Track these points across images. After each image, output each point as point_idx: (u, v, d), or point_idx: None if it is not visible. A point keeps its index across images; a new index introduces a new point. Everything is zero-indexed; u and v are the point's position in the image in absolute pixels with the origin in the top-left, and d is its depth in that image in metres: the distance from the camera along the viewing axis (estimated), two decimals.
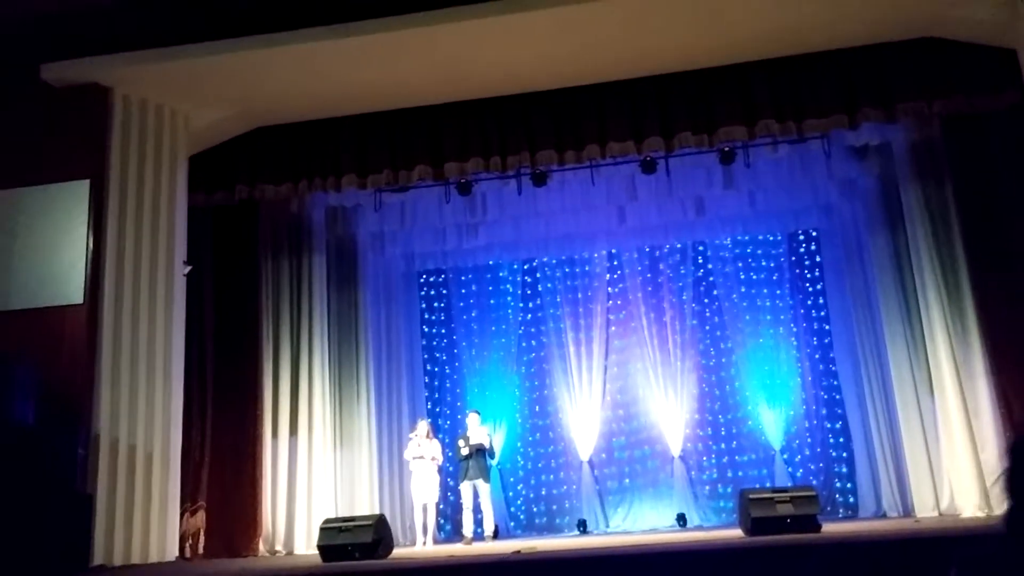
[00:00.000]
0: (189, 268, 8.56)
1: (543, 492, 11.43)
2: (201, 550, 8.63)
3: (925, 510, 9.04)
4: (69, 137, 7.93)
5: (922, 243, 8.91)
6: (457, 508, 10.57)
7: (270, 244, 9.78)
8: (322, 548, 7.18)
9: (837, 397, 10.92)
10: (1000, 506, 7.98)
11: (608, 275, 11.80)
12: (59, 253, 7.74)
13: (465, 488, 9.58)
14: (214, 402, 9.03)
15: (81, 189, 7.83)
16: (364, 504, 9.99)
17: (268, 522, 9.08)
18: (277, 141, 9.06)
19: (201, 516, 8.73)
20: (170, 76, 8.09)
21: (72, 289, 7.66)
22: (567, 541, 9.23)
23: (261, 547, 8.88)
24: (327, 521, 7.60)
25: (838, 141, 9.44)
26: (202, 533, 8.69)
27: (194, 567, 7.77)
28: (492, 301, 12.03)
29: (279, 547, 9.11)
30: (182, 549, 8.30)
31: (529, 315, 11.97)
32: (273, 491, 9.21)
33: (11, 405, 6.99)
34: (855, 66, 8.42)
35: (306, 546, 9.11)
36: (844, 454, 10.75)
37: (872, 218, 9.99)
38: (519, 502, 11.46)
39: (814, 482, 10.33)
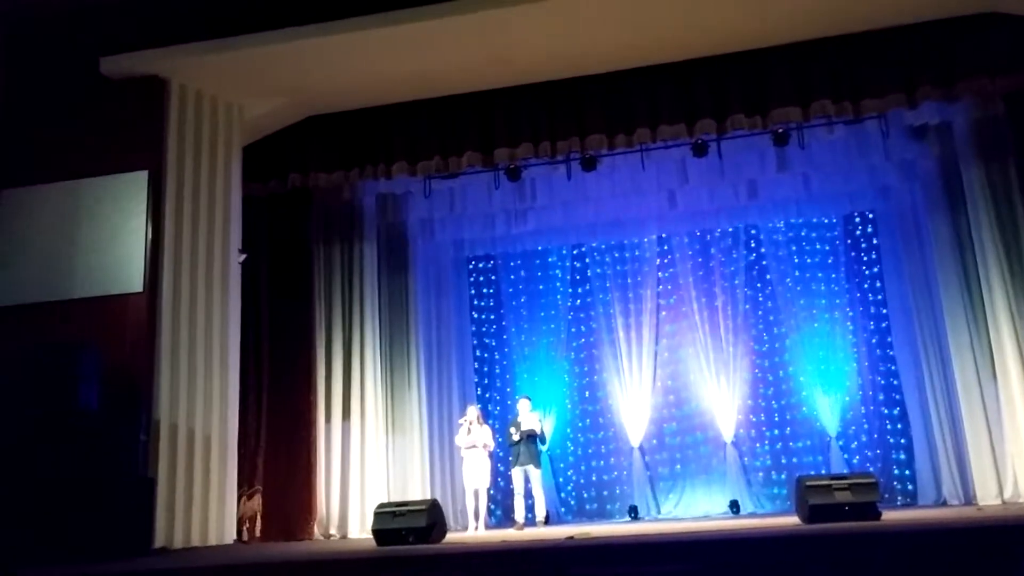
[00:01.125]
0: (244, 256, 8.71)
1: (593, 478, 11.40)
2: (258, 533, 8.81)
3: (988, 498, 8.82)
4: (128, 129, 8.12)
5: (984, 225, 8.69)
6: (508, 494, 10.60)
7: (322, 231, 9.91)
8: (376, 532, 7.25)
9: (895, 383, 10.67)
10: None
11: (658, 260, 11.67)
12: (119, 243, 7.94)
13: (516, 474, 9.60)
14: (269, 388, 9.20)
15: (140, 180, 8.02)
16: (416, 489, 10.09)
17: (323, 506, 9.24)
18: (329, 130, 9.16)
19: (258, 500, 8.91)
20: (225, 67, 8.21)
21: (132, 278, 7.86)
22: (619, 527, 9.20)
23: (316, 531, 9.04)
24: (381, 505, 7.68)
25: (896, 121, 9.21)
26: (259, 517, 8.87)
27: (251, 550, 7.93)
28: (541, 287, 12.00)
29: (333, 531, 9.25)
30: (239, 532, 8.49)
31: (578, 300, 11.92)
32: (327, 476, 9.36)
33: (76, 391, 7.19)
34: (914, 43, 8.20)
35: (360, 530, 9.24)
36: (902, 440, 10.52)
37: (931, 200, 9.72)
38: (569, 488, 11.46)
39: (871, 469, 10.13)
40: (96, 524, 6.71)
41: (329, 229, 9.99)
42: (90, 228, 8.01)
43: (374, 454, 9.72)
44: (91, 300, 7.81)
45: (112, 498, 6.93)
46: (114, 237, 7.95)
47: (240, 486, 8.54)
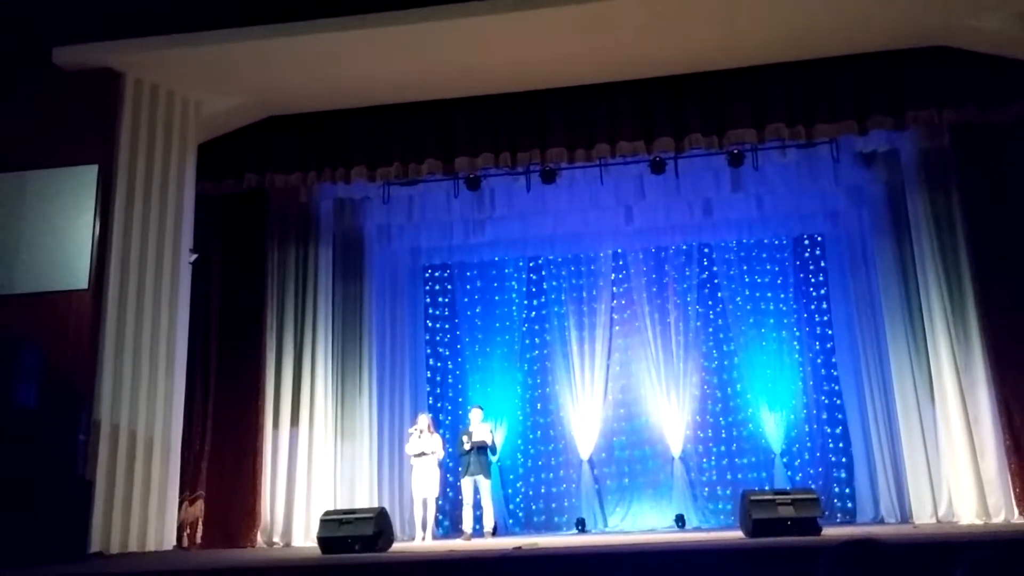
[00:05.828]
0: (195, 256, 8.56)
1: (542, 490, 11.40)
2: (199, 540, 8.60)
3: (923, 516, 9.05)
4: (79, 121, 7.92)
5: (927, 252, 8.93)
6: (456, 504, 10.56)
7: (277, 234, 9.78)
8: (322, 540, 7.17)
9: (838, 402, 10.92)
10: (998, 514, 8.04)
11: (613, 275, 11.78)
12: (65, 237, 7.72)
13: (466, 484, 9.56)
14: (216, 391, 9.02)
15: (89, 174, 7.81)
16: (364, 497, 9.98)
17: (267, 513, 9.07)
18: (288, 131, 9.05)
19: (200, 505, 8.71)
20: (183, 63, 8.07)
21: (77, 274, 7.64)
22: (566, 539, 9.22)
23: (259, 538, 8.87)
24: (328, 513, 7.59)
25: (847, 147, 9.45)
26: (200, 523, 8.67)
27: (191, 556, 7.76)
28: (497, 297, 12.01)
29: (277, 539, 9.10)
30: (180, 538, 8.29)
31: (533, 312, 11.96)
32: (273, 482, 9.20)
33: (14, 388, 6.98)
34: (867, 72, 8.42)
35: (304, 538, 9.11)
36: (843, 459, 10.75)
37: (878, 225, 10.00)
38: (518, 499, 11.44)
39: (813, 486, 10.32)
40: (30, 527, 6.51)
41: (284, 232, 9.87)
42: (35, 221, 7.77)
43: (322, 461, 9.59)
44: (34, 296, 7.59)
45: (48, 500, 6.73)
46: (60, 231, 7.72)
47: (182, 491, 8.35)
